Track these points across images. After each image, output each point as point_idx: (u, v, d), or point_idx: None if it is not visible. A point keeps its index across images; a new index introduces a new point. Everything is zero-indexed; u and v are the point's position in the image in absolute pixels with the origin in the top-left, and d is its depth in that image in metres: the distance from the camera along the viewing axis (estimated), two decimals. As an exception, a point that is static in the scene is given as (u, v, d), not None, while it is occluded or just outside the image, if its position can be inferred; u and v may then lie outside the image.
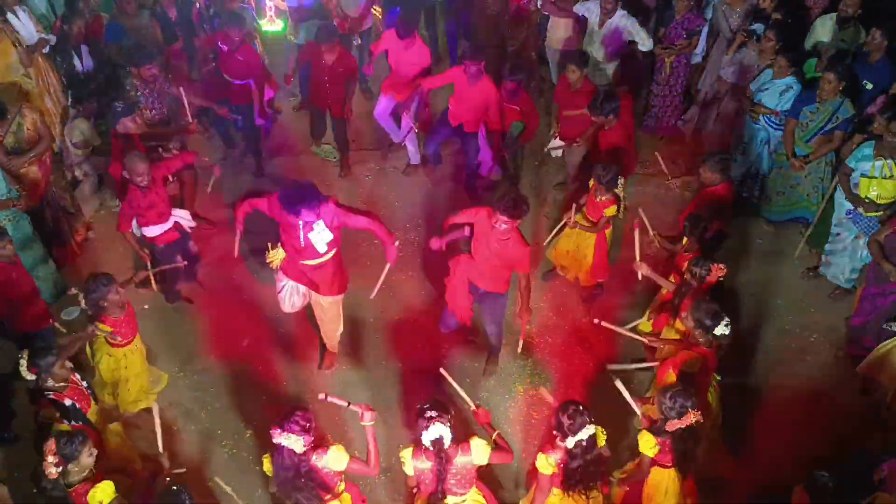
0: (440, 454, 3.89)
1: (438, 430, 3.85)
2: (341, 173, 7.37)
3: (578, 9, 7.18)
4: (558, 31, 7.51)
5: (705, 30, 7.17)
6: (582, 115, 6.19)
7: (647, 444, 4.07)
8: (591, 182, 5.62)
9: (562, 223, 5.82)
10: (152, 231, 5.53)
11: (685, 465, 4.13)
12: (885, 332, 5.22)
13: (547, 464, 3.95)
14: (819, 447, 5.09)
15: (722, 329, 4.36)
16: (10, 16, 6.28)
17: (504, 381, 5.58)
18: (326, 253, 4.95)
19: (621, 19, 6.95)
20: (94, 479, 3.84)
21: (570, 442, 3.85)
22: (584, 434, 3.85)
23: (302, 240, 4.82)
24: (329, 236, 4.85)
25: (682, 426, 3.94)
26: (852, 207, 5.61)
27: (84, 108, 6.68)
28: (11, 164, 5.57)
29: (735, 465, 4.99)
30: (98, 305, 4.61)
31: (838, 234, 5.86)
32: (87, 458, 3.80)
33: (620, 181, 5.59)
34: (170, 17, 6.97)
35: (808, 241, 6.35)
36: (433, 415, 3.86)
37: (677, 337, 4.89)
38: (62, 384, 4.25)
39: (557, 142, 6.89)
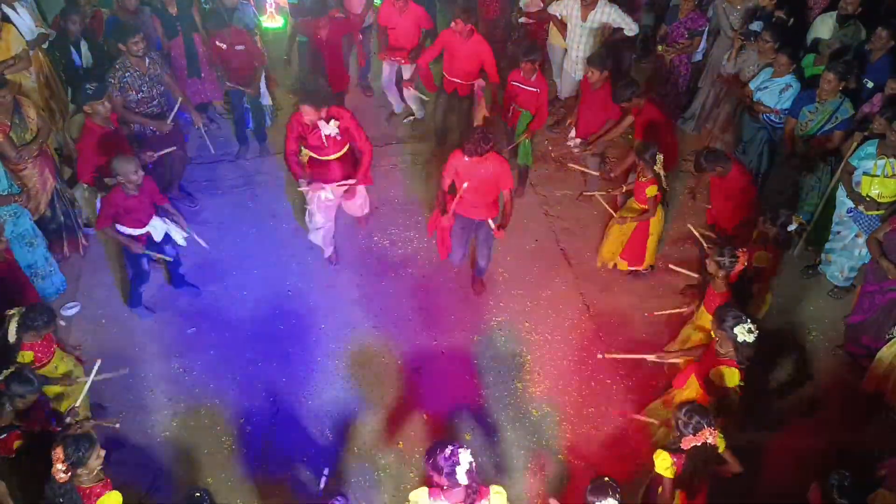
0: (471, 488, 3.64)
1: (467, 458, 3.60)
2: None
3: (554, 9, 7.11)
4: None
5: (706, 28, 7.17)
6: (599, 115, 6.37)
7: (663, 465, 3.97)
8: (637, 165, 5.71)
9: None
10: (122, 229, 5.41)
11: (694, 483, 3.99)
12: (883, 332, 5.23)
13: None
14: (818, 444, 5.11)
15: (743, 333, 4.25)
16: (8, 10, 6.26)
17: (503, 379, 5.58)
18: (340, 149, 5.81)
19: (604, 8, 6.87)
20: (104, 482, 3.86)
21: None
22: None
23: (323, 137, 5.67)
24: (336, 132, 5.68)
25: (698, 443, 3.86)
26: (853, 206, 5.62)
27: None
28: (23, 154, 5.55)
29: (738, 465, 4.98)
30: (21, 336, 4.57)
31: (839, 233, 5.87)
32: (95, 461, 3.79)
33: (660, 157, 5.62)
34: (170, 13, 6.97)
35: (806, 240, 6.36)
36: (453, 447, 3.60)
37: (698, 335, 4.87)
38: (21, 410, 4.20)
39: (575, 140, 6.84)
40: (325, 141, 5.69)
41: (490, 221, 5.66)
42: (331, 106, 5.68)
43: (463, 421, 5.31)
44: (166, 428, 5.24)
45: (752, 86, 6.31)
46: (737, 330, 4.27)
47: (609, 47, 7.00)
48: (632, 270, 6.24)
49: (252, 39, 6.94)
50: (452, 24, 6.49)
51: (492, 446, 5.18)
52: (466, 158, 5.33)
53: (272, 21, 7.71)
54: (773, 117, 6.23)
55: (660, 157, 5.60)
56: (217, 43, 6.74)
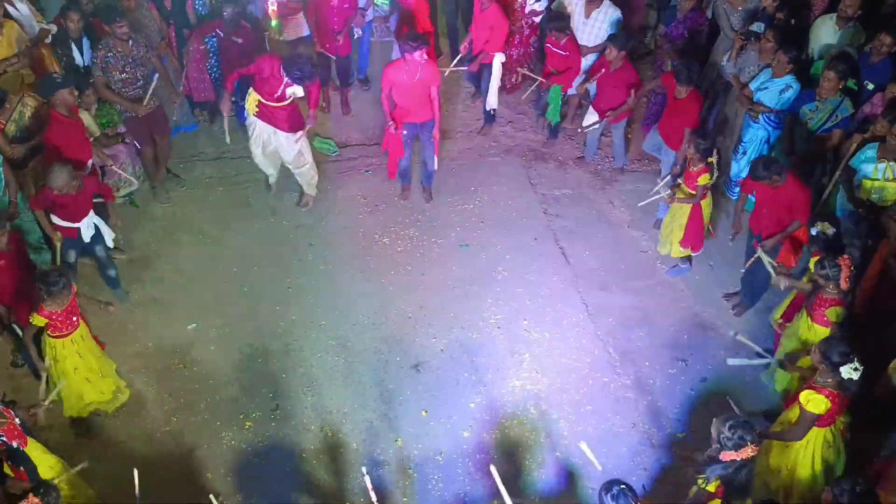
0: None
1: None
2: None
3: (562, 2, 7.18)
4: None
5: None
6: (620, 92, 6.62)
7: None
8: (688, 153, 5.84)
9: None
10: (54, 219, 5.44)
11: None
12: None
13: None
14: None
15: (849, 372, 4.12)
16: (8, 7, 6.27)
17: (502, 377, 5.61)
18: (289, 98, 6.28)
19: (608, 10, 6.94)
20: None
21: None
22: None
23: (280, 90, 6.16)
24: (300, 91, 6.24)
25: (737, 458, 3.81)
26: (853, 209, 5.60)
27: (84, 99, 6.68)
28: (14, 151, 5.57)
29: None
30: (41, 297, 4.66)
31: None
32: None
33: (716, 150, 5.72)
34: (165, 6, 7.02)
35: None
36: None
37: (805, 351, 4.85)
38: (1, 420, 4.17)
39: (592, 117, 7.02)
40: (279, 92, 6.16)
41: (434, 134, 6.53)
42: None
43: (461, 418, 5.34)
44: (166, 423, 5.28)
45: (752, 86, 6.31)
46: (843, 370, 4.14)
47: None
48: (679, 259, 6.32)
49: (253, 36, 6.96)
50: None
51: (490, 444, 5.21)
52: (417, 56, 6.08)
53: (275, 19, 7.70)
54: (772, 117, 6.24)
55: (715, 150, 5.71)
56: (218, 31, 6.83)
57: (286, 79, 6.04)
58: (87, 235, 5.56)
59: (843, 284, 4.67)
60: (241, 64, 6.69)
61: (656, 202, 6.34)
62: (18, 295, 5.06)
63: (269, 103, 6.24)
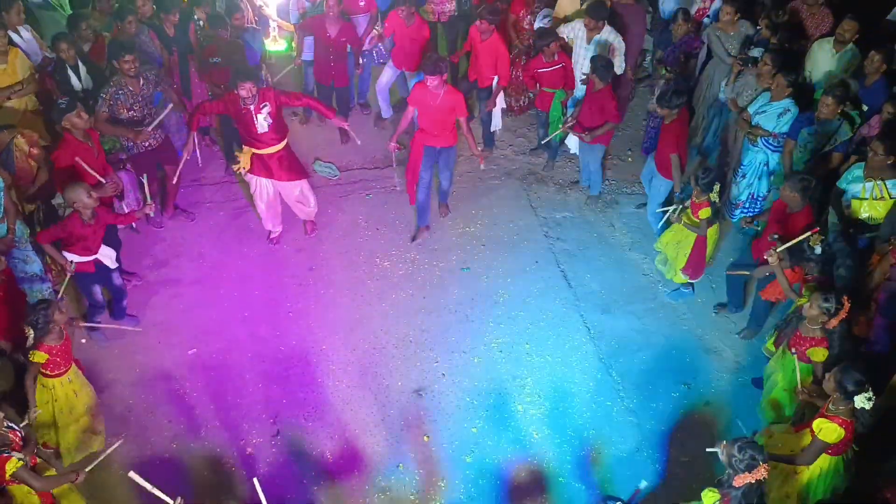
0: None
1: None
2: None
3: (563, 30, 7.25)
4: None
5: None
6: (594, 115, 6.71)
7: (710, 500, 3.88)
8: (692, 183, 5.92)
9: (666, 217, 6.23)
10: (70, 256, 5.35)
11: None
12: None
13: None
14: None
15: (862, 401, 4.10)
16: (13, 35, 6.30)
17: (504, 401, 5.58)
18: (278, 141, 6.15)
19: (609, 35, 7.04)
20: None
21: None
22: None
23: (256, 122, 5.96)
24: (267, 120, 5.99)
25: (752, 481, 3.75)
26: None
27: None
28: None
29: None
30: (45, 329, 4.56)
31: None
32: None
33: (716, 187, 5.74)
34: (167, 33, 7.06)
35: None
36: None
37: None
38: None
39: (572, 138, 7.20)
40: (256, 125, 5.98)
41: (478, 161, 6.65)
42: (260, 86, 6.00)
43: (464, 443, 5.30)
44: (166, 449, 5.22)
45: (750, 110, 6.35)
46: (857, 399, 4.11)
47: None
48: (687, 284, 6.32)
49: (236, 58, 6.91)
50: (476, 24, 7.06)
51: (493, 469, 5.16)
52: (429, 83, 6.02)
53: (275, 44, 7.77)
54: (771, 141, 6.28)
55: (717, 186, 5.72)
56: (211, 59, 6.80)
57: (249, 106, 5.88)
58: (111, 262, 5.54)
59: (833, 323, 4.61)
60: (215, 94, 6.66)
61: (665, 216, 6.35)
62: (15, 330, 4.98)
63: (261, 151, 6.12)
